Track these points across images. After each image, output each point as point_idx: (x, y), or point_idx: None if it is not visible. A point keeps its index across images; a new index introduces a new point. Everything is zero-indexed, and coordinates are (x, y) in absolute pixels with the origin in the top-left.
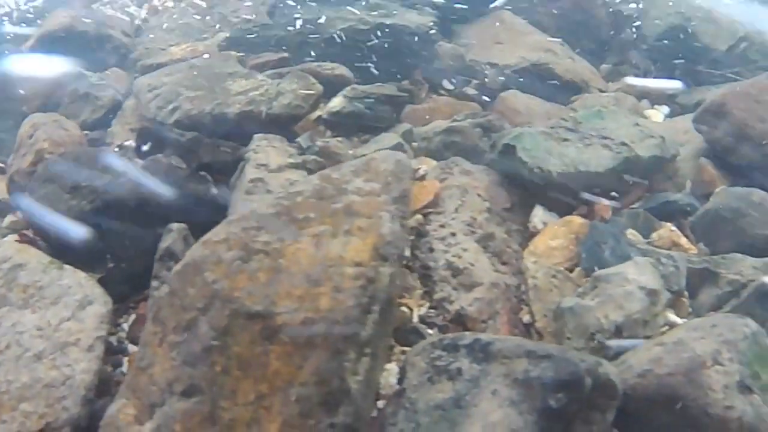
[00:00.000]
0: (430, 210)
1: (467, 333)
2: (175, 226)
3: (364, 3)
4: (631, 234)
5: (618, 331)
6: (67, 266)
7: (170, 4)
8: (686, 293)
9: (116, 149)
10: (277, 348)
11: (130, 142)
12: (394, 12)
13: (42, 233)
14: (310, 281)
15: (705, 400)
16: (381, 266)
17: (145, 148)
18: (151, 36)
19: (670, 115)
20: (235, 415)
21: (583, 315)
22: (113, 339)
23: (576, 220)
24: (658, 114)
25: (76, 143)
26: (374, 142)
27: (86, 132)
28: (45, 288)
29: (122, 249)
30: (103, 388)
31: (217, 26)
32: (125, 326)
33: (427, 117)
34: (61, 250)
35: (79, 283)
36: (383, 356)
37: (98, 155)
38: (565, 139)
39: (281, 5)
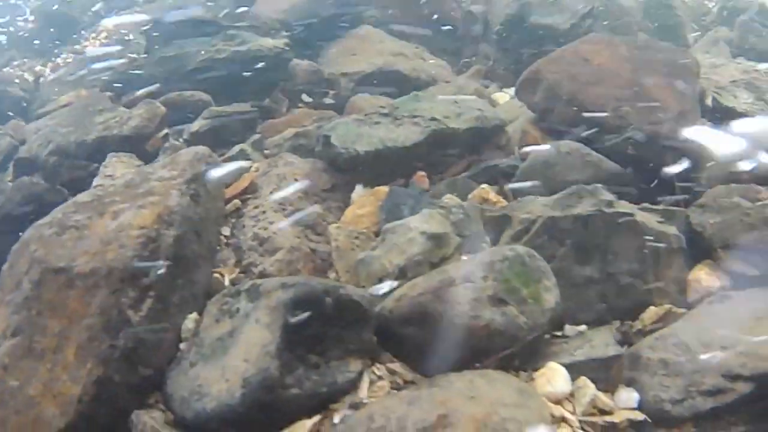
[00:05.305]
0: (249, 196)
1: (248, 280)
2: None
3: (221, 35)
4: (449, 198)
5: (402, 273)
6: None
7: (70, 59)
8: (487, 238)
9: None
10: (74, 292)
11: None
12: (249, 39)
13: None
14: (102, 242)
15: (452, 312)
16: (165, 229)
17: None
18: (48, 89)
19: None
20: (45, 345)
21: (371, 263)
22: None
23: (382, 190)
24: (504, 96)
25: None
26: (230, 153)
27: None
28: None
29: None
30: None
31: (102, 72)
32: None
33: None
34: None
35: None
36: (184, 306)
37: None
38: (377, 123)
39: (156, 47)
